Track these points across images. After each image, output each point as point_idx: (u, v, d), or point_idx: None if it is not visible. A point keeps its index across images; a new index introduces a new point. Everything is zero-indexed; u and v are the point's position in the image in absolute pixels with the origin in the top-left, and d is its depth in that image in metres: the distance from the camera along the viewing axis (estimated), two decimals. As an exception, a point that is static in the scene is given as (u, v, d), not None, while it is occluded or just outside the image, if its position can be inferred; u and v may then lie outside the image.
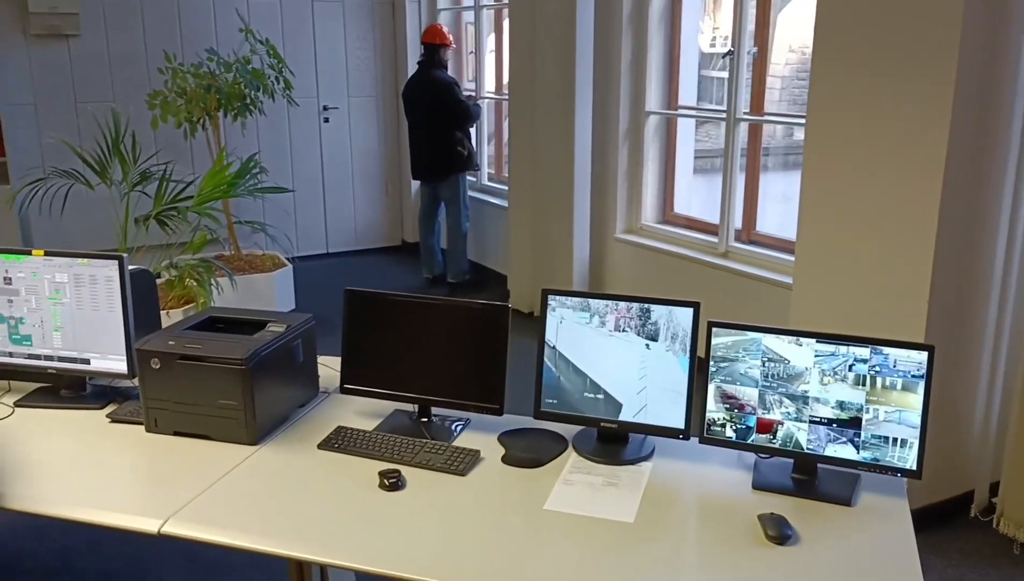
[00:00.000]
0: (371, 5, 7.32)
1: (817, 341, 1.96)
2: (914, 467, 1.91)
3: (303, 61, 7.02)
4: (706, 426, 2.06)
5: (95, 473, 2.09)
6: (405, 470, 2.06)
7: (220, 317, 2.47)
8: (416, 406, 2.34)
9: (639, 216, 5.40)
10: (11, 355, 2.50)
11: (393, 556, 1.74)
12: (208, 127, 5.64)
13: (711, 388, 2.04)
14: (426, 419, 2.32)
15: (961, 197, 3.11)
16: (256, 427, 2.20)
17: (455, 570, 1.69)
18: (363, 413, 2.39)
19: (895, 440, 1.91)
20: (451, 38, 6.30)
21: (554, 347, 2.18)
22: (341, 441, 2.20)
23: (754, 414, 2.01)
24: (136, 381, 2.31)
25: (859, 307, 3.37)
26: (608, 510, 1.90)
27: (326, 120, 7.31)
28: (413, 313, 2.30)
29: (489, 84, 7.09)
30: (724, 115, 4.72)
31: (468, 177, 6.50)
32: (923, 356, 1.89)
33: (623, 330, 2.13)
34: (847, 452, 1.95)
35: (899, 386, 1.90)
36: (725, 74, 4.67)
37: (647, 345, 2.11)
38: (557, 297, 2.18)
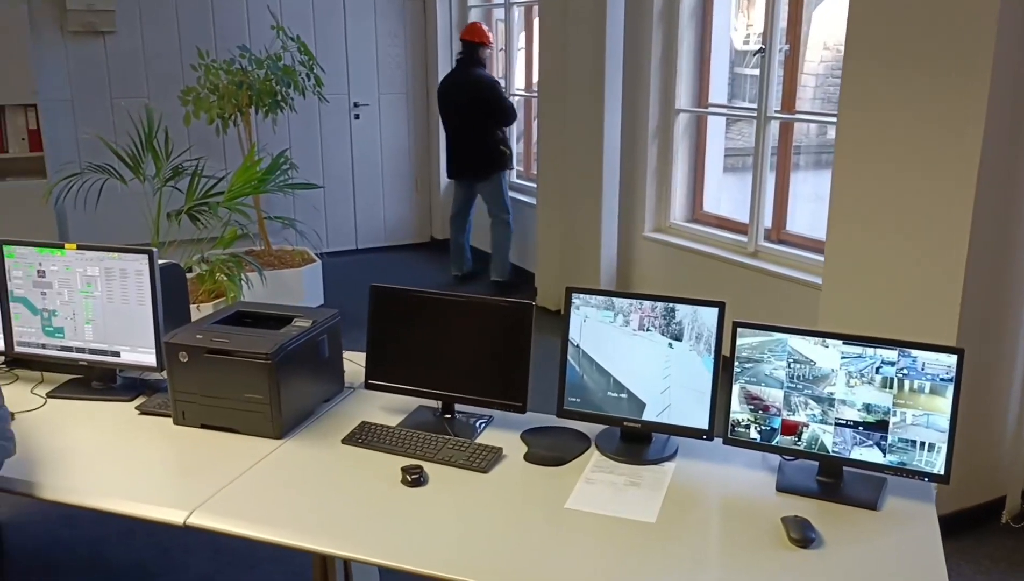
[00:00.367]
0: (402, 2, 7.34)
1: (844, 343, 1.93)
2: (942, 472, 1.88)
3: (334, 58, 7.06)
4: (730, 427, 2.04)
5: (124, 464, 2.12)
6: (428, 466, 2.07)
7: (248, 311, 2.50)
8: (440, 403, 2.34)
9: (668, 215, 5.37)
10: (44, 347, 2.55)
11: (415, 552, 1.75)
12: (240, 123, 5.70)
13: (736, 389, 2.03)
14: (449, 416, 2.33)
15: (995, 197, 3.05)
16: (281, 421, 2.22)
17: (476, 567, 1.70)
18: (387, 409, 2.41)
19: (923, 444, 1.89)
20: (491, 37, 6.27)
21: (578, 346, 2.18)
22: (365, 436, 2.22)
23: (779, 415, 2.00)
24: (165, 374, 2.34)
25: (889, 309, 3.33)
26: (630, 510, 1.90)
27: (356, 117, 7.35)
28: (438, 310, 2.30)
29: (519, 82, 7.08)
30: (755, 113, 4.68)
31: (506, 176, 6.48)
32: (952, 359, 1.86)
33: (647, 329, 2.12)
34: (873, 455, 1.93)
35: (927, 389, 1.88)
36: (758, 72, 4.63)
37: (671, 344, 2.10)
38: (581, 295, 2.18)
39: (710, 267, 4.88)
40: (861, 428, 1.93)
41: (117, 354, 2.49)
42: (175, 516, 1.89)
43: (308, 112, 6.90)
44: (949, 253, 3.08)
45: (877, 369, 1.91)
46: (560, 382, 2.20)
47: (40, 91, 5.94)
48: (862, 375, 1.92)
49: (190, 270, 4.83)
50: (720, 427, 2.06)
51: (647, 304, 2.12)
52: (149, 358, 2.46)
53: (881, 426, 1.91)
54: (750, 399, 2.02)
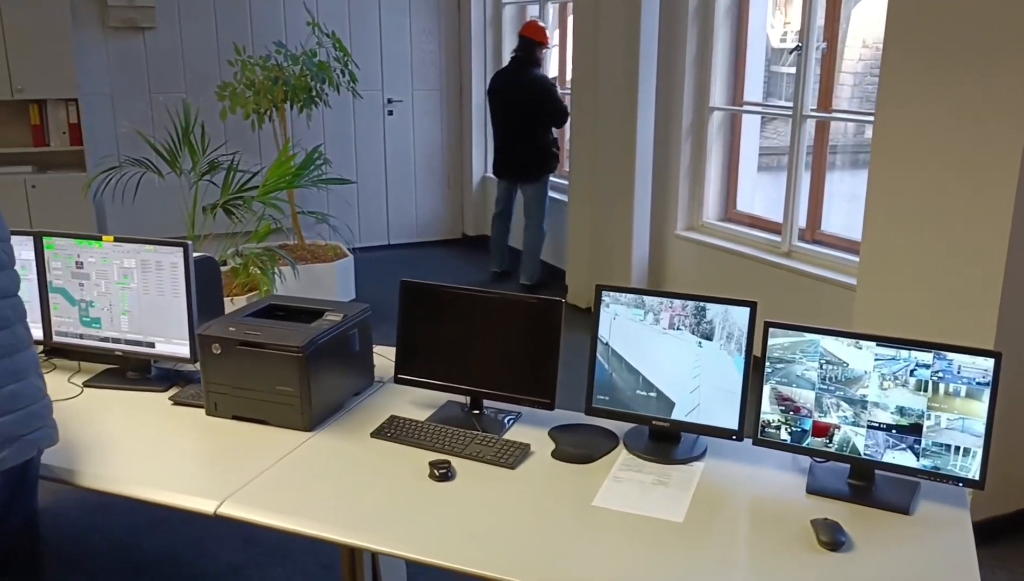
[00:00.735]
0: (437, -2, 7.37)
1: (877, 344, 1.91)
2: (976, 477, 1.85)
3: (368, 54, 7.10)
4: (760, 428, 2.03)
5: (157, 454, 2.15)
6: (456, 461, 2.08)
7: (280, 305, 2.52)
8: (468, 398, 2.35)
9: (701, 213, 5.33)
10: (81, 337, 2.59)
11: (442, 546, 1.76)
12: (275, 118, 5.75)
13: (766, 389, 2.01)
14: (478, 411, 2.33)
15: (1037, 199, 2.99)
16: (311, 414, 2.24)
17: (502, 562, 1.70)
18: (416, 403, 2.42)
19: (957, 448, 1.85)
20: (549, 38, 6.21)
21: (607, 344, 2.17)
22: (394, 430, 2.23)
23: (810, 417, 1.98)
24: (198, 365, 2.37)
25: (925, 311, 3.27)
26: (657, 509, 1.89)
27: (390, 113, 7.39)
28: (468, 306, 2.31)
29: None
30: (790, 112, 4.62)
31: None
32: (989, 363, 1.82)
33: (677, 328, 2.11)
34: (906, 459, 1.90)
35: (963, 393, 1.84)
36: (794, 70, 4.57)
37: (700, 343, 2.08)
38: (611, 293, 2.17)
39: (743, 266, 4.84)
40: (894, 431, 1.90)
41: (152, 345, 2.53)
42: (206, 506, 1.92)
43: (342, 108, 6.94)
44: (988, 255, 3.03)
45: (911, 371, 1.88)
46: (589, 380, 2.19)
47: (81, 86, 6.04)
48: (896, 377, 1.89)
49: (224, 263, 4.88)
50: (750, 428, 2.04)
51: (678, 303, 2.11)
52: (183, 349, 2.50)
53: (915, 429, 1.89)
54: (781, 400, 2.00)
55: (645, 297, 2.14)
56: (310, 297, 2.78)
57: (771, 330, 1.99)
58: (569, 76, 6.20)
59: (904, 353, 1.88)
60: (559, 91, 6.17)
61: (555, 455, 2.13)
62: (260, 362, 2.23)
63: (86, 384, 2.56)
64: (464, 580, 1.76)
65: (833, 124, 4.60)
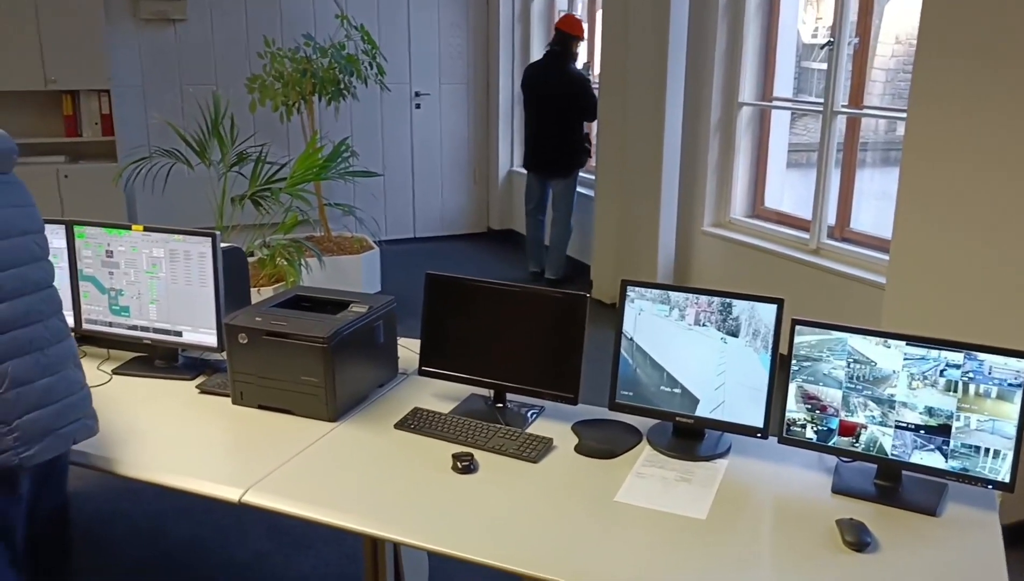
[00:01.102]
0: (466, -8, 7.37)
1: (907, 344, 1.88)
2: (1007, 479, 1.82)
3: (397, 47, 7.12)
4: (786, 426, 2.01)
5: (183, 441, 2.18)
6: (478, 454, 2.08)
7: (306, 296, 2.54)
8: (492, 391, 2.35)
9: (728, 209, 5.29)
10: (111, 325, 2.62)
11: (463, 538, 1.76)
12: (303, 111, 5.78)
13: (792, 387, 1.99)
14: (501, 405, 2.33)
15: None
16: (336, 404, 2.25)
17: (524, 555, 1.70)
18: (440, 396, 2.42)
19: (987, 450, 1.83)
20: (585, 31, 6.19)
21: (632, 339, 2.16)
22: (417, 422, 2.23)
23: (836, 416, 1.95)
24: (225, 354, 2.39)
25: (956, 311, 3.23)
26: (680, 505, 1.88)
27: (417, 106, 7.40)
28: (492, 299, 2.31)
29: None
30: (821, 108, 4.57)
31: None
32: (1021, 364, 1.79)
33: (703, 324, 2.09)
34: (934, 460, 1.87)
35: (994, 394, 1.81)
36: (826, 66, 4.52)
37: (724, 339, 2.07)
38: (636, 288, 2.16)
39: (770, 263, 4.80)
40: (922, 432, 1.88)
41: (179, 334, 2.55)
42: (231, 493, 1.93)
43: (370, 101, 6.96)
44: (1021, 254, 2.97)
45: (941, 372, 1.85)
46: (613, 375, 2.18)
47: (113, 77, 6.11)
48: (925, 377, 1.87)
49: (251, 254, 4.92)
50: (775, 426, 2.03)
51: (703, 299, 2.09)
52: (210, 339, 2.52)
53: (943, 430, 1.86)
54: (807, 398, 1.98)
55: (671, 293, 2.13)
56: (336, 289, 2.79)
57: (798, 327, 1.98)
58: (597, 70, 6.17)
59: (934, 353, 1.86)
60: (592, 87, 6.14)
61: (578, 450, 2.12)
62: (286, 352, 2.25)
63: (115, 371, 2.59)
64: (486, 573, 1.76)
65: (864, 121, 4.55)
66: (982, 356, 1.82)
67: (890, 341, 1.90)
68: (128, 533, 3.21)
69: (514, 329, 2.28)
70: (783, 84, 5.13)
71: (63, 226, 2.58)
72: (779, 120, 5.23)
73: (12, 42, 5.74)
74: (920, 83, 3.29)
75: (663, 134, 5.20)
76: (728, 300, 2.07)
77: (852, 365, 1.93)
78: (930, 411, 1.87)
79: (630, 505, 1.88)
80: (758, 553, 1.72)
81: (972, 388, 1.83)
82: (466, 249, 7.46)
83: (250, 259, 4.15)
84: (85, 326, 2.64)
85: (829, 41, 4.45)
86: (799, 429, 1.99)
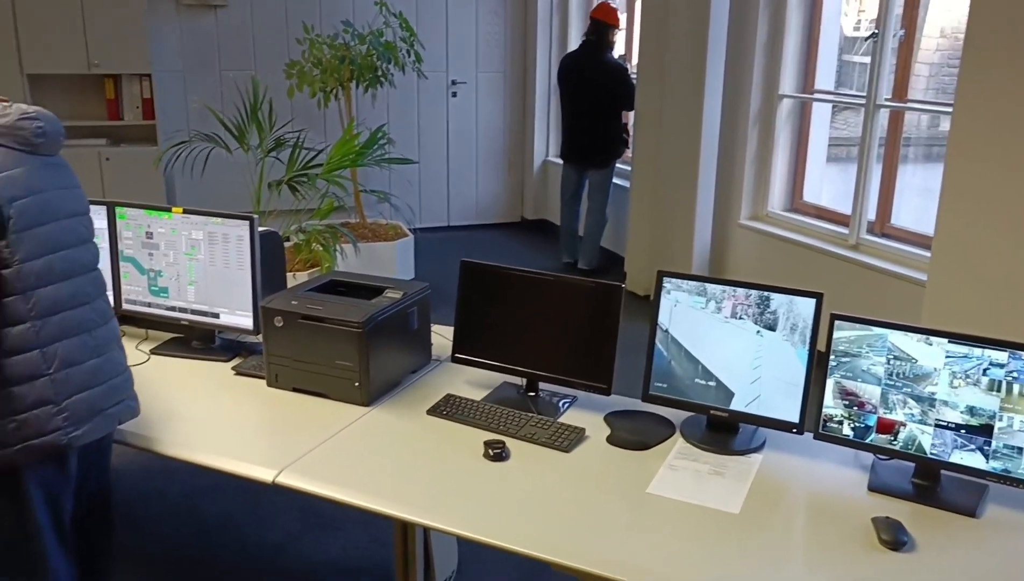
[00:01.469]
0: (504, -20, 7.34)
1: (949, 341, 1.85)
2: (1050, 482, 1.78)
3: (434, 35, 7.11)
4: (822, 422, 1.98)
5: (219, 422, 2.20)
6: (510, 442, 2.08)
7: (341, 281, 2.55)
8: (524, 380, 2.35)
9: (766, 203, 5.23)
10: (149, 306, 2.66)
11: (494, 525, 1.76)
12: (340, 97, 5.80)
13: (830, 383, 1.96)
14: (533, 393, 2.33)
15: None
16: (369, 389, 2.26)
17: (554, 544, 1.70)
18: (472, 383, 2.43)
19: (1030, 452, 1.79)
20: (620, 19, 6.14)
21: (667, 330, 2.15)
22: (449, 408, 2.24)
23: (875, 413, 1.92)
24: (260, 337, 2.41)
25: (1000, 309, 3.16)
26: (713, 499, 1.86)
27: (454, 94, 7.40)
28: (527, 288, 2.30)
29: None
30: (863, 101, 4.50)
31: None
32: (1068, 365, 1.75)
33: (740, 317, 2.07)
34: (975, 460, 1.84)
35: (1038, 395, 1.78)
36: (868, 59, 4.45)
37: (760, 333, 2.04)
38: (673, 280, 2.14)
39: (807, 258, 4.74)
40: (963, 431, 1.84)
41: (216, 316, 2.58)
42: (265, 474, 1.95)
43: (407, 88, 6.97)
44: (1069, 254, 2.91)
45: (984, 371, 1.81)
46: (647, 366, 2.17)
47: (154, 62, 6.18)
48: (967, 376, 1.83)
49: (287, 239, 4.96)
50: (811, 421, 2.00)
51: (741, 291, 2.07)
52: (246, 321, 2.55)
53: (985, 430, 1.82)
54: (845, 394, 1.95)
55: (707, 285, 2.11)
56: (370, 274, 2.80)
57: (837, 323, 1.95)
58: (635, 60, 6.12)
59: (977, 351, 1.82)
60: (631, 76, 6.09)
61: (610, 440, 2.11)
62: (321, 336, 2.26)
63: (153, 351, 2.63)
64: (515, 560, 1.76)
65: (907, 115, 4.46)
66: (1027, 355, 1.78)
67: (932, 338, 1.86)
68: (163, 511, 3.26)
69: (548, 318, 2.27)
70: (824, 76, 5.05)
71: (105, 207, 2.62)
72: (820, 113, 5.15)
73: (58, 27, 5.83)
74: (968, 78, 3.22)
75: (701, 125, 5.15)
76: (766, 293, 2.04)
77: (892, 362, 1.90)
78: (972, 410, 1.83)
79: (662, 497, 1.87)
80: (792, 549, 1.70)
81: (1016, 388, 1.79)
82: (499, 238, 7.46)
83: (285, 244, 4.18)
84: (124, 306, 2.68)
85: (873, 33, 4.37)
86: (836, 425, 1.97)
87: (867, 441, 1.94)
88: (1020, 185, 3.05)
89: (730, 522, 1.78)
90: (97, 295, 1.95)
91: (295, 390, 2.35)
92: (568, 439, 2.09)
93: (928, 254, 3.59)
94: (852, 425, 1.95)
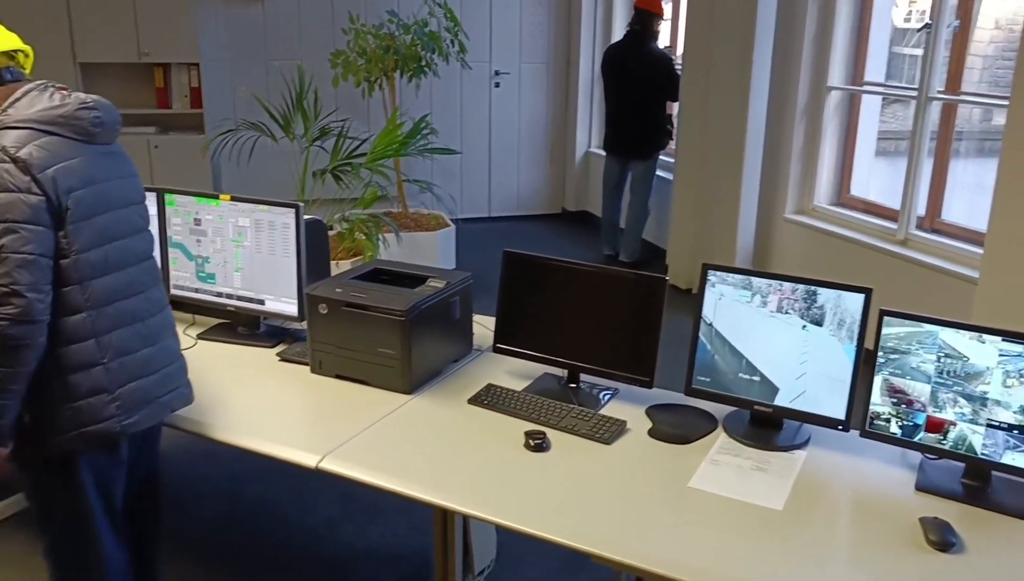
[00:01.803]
0: (548, -29, 7.30)
1: (1003, 339, 1.80)
2: (1106, 486, 1.73)
3: (478, 25, 7.11)
4: (869, 419, 1.95)
5: (264, 407, 2.23)
6: (551, 433, 2.08)
7: (385, 269, 2.56)
8: (566, 371, 2.34)
9: (812, 197, 5.15)
10: (197, 291, 2.70)
11: (534, 515, 1.76)
12: (384, 87, 5.83)
13: (878, 380, 1.93)
14: (575, 385, 2.32)
15: None
16: (411, 377, 2.28)
17: (594, 536, 1.70)
18: (513, 373, 2.43)
19: (1086, 455, 1.74)
20: (664, 9, 6.06)
21: (711, 324, 2.13)
22: (490, 398, 2.24)
23: (924, 411, 1.89)
24: (305, 324, 2.44)
25: (1054, 308, 3.08)
26: (755, 495, 1.85)
27: (497, 85, 7.39)
28: (569, 279, 2.30)
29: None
30: (915, 93, 4.40)
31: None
32: None
33: (786, 312, 2.04)
34: (1028, 462, 1.79)
35: (1096, 396, 1.73)
36: (919, 51, 4.35)
37: (810, 329, 2.01)
38: (718, 273, 2.12)
39: (854, 253, 4.66)
40: (1016, 432, 1.80)
41: (262, 302, 2.61)
42: (308, 459, 1.97)
43: (450, 78, 6.98)
44: None
45: (1039, 370, 1.77)
46: (690, 360, 2.15)
47: (202, 51, 6.27)
48: (1021, 375, 1.79)
49: (331, 228, 5.00)
50: (858, 419, 1.97)
51: (787, 286, 2.04)
52: (291, 308, 2.57)
53: (1039, 431, 1.78)
54: (893, 392, 1.91)
55: (753, 278, 2.08)
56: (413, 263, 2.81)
57: (886, 319, 1.91)
58: (680, 51, 6.06)
59: (1032, 350, 1.77)
60: (675, 67, 6.03)
61: (651, 434, 2.10)
62: (364, 324, 2.28)
63: (199, 336, 2.67)
64: (554, 551, 1.76)
65: (960, 109, 4.36)
66: (1085, 356, 1.73)
67: (985, 336, 1.82)
68: (206, 493, 3.32)
69: (590, 310, 2.26)
70: (874, 69, 4.95)
71: (155, 194, 2.66)
72: (869, 106, 5.06)
73: (109, 16, 5.94)
74: (1025, 69, 3.13)
75: (747, 117, 5.09)
76: (813, 288, 2.01)
77: (943, 359, 1.86)
78: (1025, 411, 1.79)
79: (704, 492, 1.86)
80: (836, 547, 1.67)
81: (1072, 389, 1.74)
82: (541, 229, 7.45)
83: (329, 233, 4.21)
84: (173, 291, 2.73)
85: (927, 24, 4.28)
86: (883, 423, 1.93)
87: (916, 440, 1.90)
88: (1079, 181, 2.97)
89: (773, 518, 1.76)
90: (151, 284, 1.98)
91: (338, 377, 2.37)
92: (609, 431, 2.08)
93: (980, 250, 3.51)
94: (900, 423, 1.91)
